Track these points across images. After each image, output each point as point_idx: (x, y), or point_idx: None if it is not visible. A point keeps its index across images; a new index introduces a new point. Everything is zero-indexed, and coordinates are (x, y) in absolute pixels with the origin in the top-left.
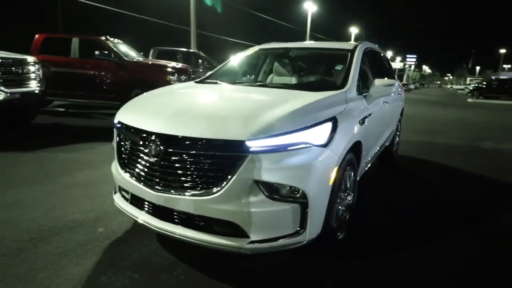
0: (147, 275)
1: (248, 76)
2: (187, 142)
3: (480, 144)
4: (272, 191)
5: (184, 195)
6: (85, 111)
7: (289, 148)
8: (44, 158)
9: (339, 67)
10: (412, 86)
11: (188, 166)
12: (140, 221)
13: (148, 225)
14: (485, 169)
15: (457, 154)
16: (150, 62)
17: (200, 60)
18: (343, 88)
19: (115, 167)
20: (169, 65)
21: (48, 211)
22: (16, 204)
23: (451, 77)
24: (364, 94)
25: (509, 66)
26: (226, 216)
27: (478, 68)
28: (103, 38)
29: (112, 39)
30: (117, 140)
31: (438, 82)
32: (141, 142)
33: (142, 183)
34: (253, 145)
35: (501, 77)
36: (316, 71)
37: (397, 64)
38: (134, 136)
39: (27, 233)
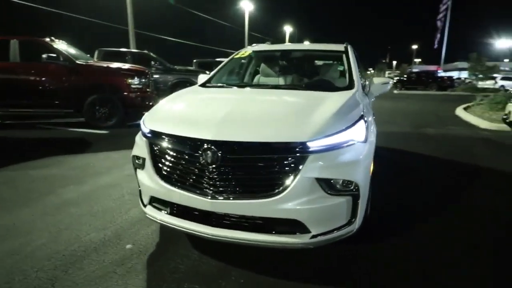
0: (206, 284)
1: (246, 78)
2: (248, 147)
3: (426, 130)
4: (330, 186)
5: (245, 199)
6: (25, 121)
7: (341, 146)
8: (13, 177)
9: (339, 68)
10: None
11: (248, 170)
12: (188, 230)
13: (200, 234)
14: (440, 152)
15: (416, 141)
16: (106, 65)
17: (152, 62)
18: (352, 88)
19: (149, 178)
20: (128, 67)
21: (55, 234)
22: (12, 232)
23: (372, 71)
24: (365, 92)
25: (420, 60)
26: (289, 215)
27: (395, 62)
28: (48, 39)
29: (57, 40)
30: (151, 150)
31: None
32: (191, 151)
33: (192, 192)
34: (313, 145)
35: (414, 70)
36: (315, 72)
37: None
38: (180, 145)
39: (47, 261)
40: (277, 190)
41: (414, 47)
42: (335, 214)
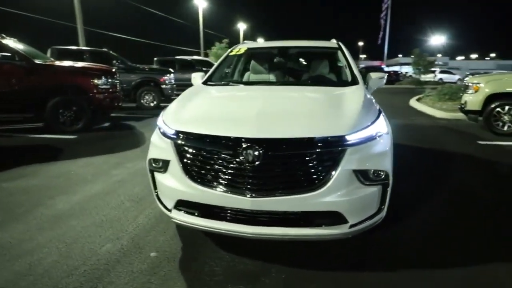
0: (250, 283)
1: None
2: (289, 143)
3: (394, 121)
4: (365, 177)
5: (286, 195)
6: None
7: (373, 138)
8: None
9: (339, 64)
10: None
11: (290, 166)
12: (223, 232)
13: (239, 234)
14: (415, 140)
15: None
16: (69, 65)
17: (114, 61)
18: (357, 83)
19: (176, 181)
20: (93, 67)
21: (65, 249)
22: (12, 251)
23: None
24: (365, 87)
25: (365, 56)
26: (331, 207)
27: None
28: None
29: (8, 38)
30: (179, 152)
31: None
32: (229, 150)
33: (230, 192)
34: (351, 138)
35: (361, 65)
36: (311, 68)
37: None
38: (217, 144)
39: (68, 277)
40: (318, 184)
41: (360, 43)
42: (369, 203)
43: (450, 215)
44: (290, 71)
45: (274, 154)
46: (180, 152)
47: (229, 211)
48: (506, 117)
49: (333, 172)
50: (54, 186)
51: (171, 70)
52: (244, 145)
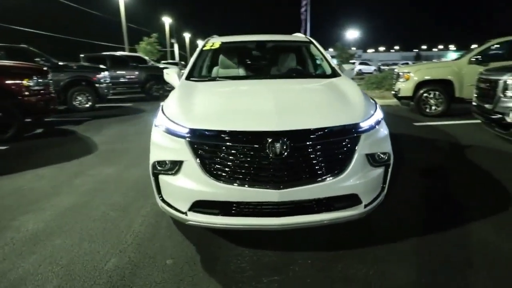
0: (283, 273)
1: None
2: (312, 134)
3: None
4: (374, 160)
5: (311, 184)
6: None
7: (378, 123)
8: None
9: (316, 57)
10: None
11: (313, 155)
12: (248, 227)
13: (265, 227)
14: None
15: None
16: None
17: (37, 58)
18: (339, 75)
19: (194, 181)
20: (21, 66)
21: (63, 272)
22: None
23: None
24: None
25: None
26: (349, 190)
27: None
28: None
29: None
30: (196, 151)
31: None
32: (254, 144)
33: (256, 186)
34: (364, 125)
35: None
36: (290, 62)
37: None
38: (239, 140)
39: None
40: (340, 170)
41: None
42: (376, 184)
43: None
44: (269, 64)
45: (300, 145)
46: (197, 151)
47: (252, 206)
48: (432, 101)
49: (352, 158)
50: (9, 206)
51: (104, 67)
52: (270, 139)
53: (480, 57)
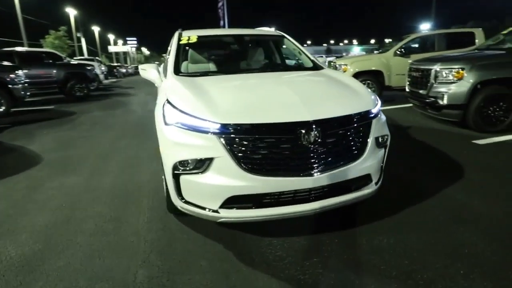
0: (321, 254)
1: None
2: (338, 121)
3: None
4: (378, 142)
5: (339, 168)
6: None
7: (380, 110)
8: None
9: (293, 50)
10: None
11: (340, 141)
12: (282, 216)
13: (299, 214)
14: None
15: None
16: None
17: None
18: (323, 68)
19: (228, 177)
20: None
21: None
22: None
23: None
24: None
25: None
26: (366, 171)
27: None
28: None
29: None
30: (230, 146)
31: (157, 62)
32: (288, 135)
33: (291, 175)
34: (374, 111)
35: None
36: (268, 55)
37: (120, 48)
38: (274, 132)
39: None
40: (360, 152)
41: None
42: (380, 163)
43: None
44: (250, 58)
45: (329, 132)
46: (230, 146)
47: (284, 195)
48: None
49: (367, 141)
50: None
51: (16, 65)
52: (304, 128)
53: (403, 50)
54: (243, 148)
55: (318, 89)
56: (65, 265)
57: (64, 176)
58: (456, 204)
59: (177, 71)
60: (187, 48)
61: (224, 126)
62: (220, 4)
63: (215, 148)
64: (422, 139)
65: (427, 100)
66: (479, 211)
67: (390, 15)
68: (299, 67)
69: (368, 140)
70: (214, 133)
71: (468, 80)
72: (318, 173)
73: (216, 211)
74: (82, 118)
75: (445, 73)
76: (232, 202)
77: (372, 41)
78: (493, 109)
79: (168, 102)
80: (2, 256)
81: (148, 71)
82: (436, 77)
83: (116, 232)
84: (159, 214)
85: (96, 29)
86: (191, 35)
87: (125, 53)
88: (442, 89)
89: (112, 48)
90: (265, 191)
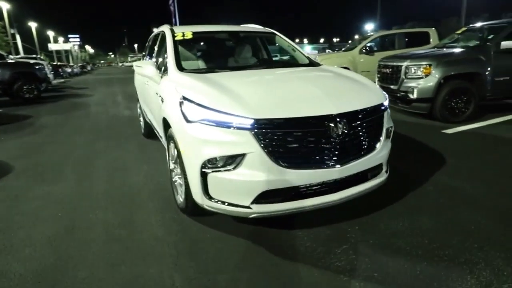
0: (348, 241)
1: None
2: (360, 114)
3: None
4: (388, 132)
5: (361, 157)
6: None
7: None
8: None
9: (288, 47)
10: (89, 67)
11: (361, 132)
12: (309, 208)
13: (326, 205)
14: None
15: None
16: None
17: None
18: (315, 64)
19: (262, 171)
20: None
21: None
22: None
23: (112, 55)
24: None
25: None
26: (379, 160)
27: (136, 45)
28: None
29: None
30: (263, 141)
31: (102, 61)
32: (318, 128)
33: (320, 167)
34: (386, 104)
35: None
36: (263, 52)
37: (62, 46)
38: (303, 126)
39: None
40: (377, 142)
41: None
42: (388, 152)
43: None
44: (248, 54)
45: (353, 124)
46: (264, 141)
47: (313, 186)
48: None
49: (382, 132)
50: None
51: None
52: (332, 121)
53: (368, 48)
54: (276, 143)
55: (334, 84)
56: (88, 276)
57: (45, 185)
58: (449, 188)
59: (180, 68)
60: (183, 44)
61: (258, 121)
62: (170, 0)
63: (249, 144)
64: (397, 131)
65: (398, 95)
66: (471, 192)
67: (331, 15)
68: (298, 63)
69: (382, 131)
70: (247, 129)
71: (435, 75)
72: (344, 164)
73: (248, 207)
74: (41, 122)
75: (414, 69)
76: (264, 196)
77: (321, 40)
78: (456, 102)
79: (186, 99)
80: (10, 275)
81: (145, 68)
82: (406, 73)
83: (131, 237)
84: (171, 216)
85: (33, 25)
86: (185, 32)
87: (67, 51)
88: (412, 84)
89: (52, 46)
90: (297, 184)
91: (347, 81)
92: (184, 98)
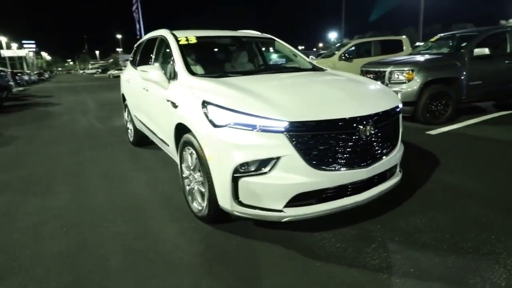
0: (374, 240)
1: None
2: (384, 115)
3: None
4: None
5: (384, 157)
6: None
7: None
8: None
9: (289, 52)
10: (46, 75)
11: (385, 133)
12: (339, 209)
13: (352, 205)
14: None
15: None
16: None
17: None
18: (318, 69)
19: (296, 174)
20: None
21: None
22: None
23: (71, 62)
24: None
25: (121, 49)
26: (396, 160)
27: (98, 52)
28: None
29: None
30: (297, 143)
31: (60, 69)
32: (348, 130)
33: (351, 168)
34: (400, 106)
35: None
36: (264, 57)
37: (16, 52)
38: (333, 128)
39: None
40: (396, 143)
41: (119, 36)
42: (402, 153)
43: None
44: (253, 60)
45: (379, 125)
46: (298, 143)
47: (343, 187)
48: None
49: (399, 133)
50: None
51: None
52: (361, 123)
53: (347, 55)
54: (308, 145)
55: (355, 87)
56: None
57: (37, 199)
58: (450, 185)
59: (191, 72)
60: (188, 49)
61: (292, 124)
62: (134, 7)
63: (284, 147)
64: None
65: None
66: (471, 188)
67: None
68: (303, 68)
69: (400, 132)
70: (281, 132)
71: (417, 80)
72: (371, 164)
73: (281, 211)
74: (11, 133)
75: (397, 74)
76: (296, 200)
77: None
78: (436, 105)
79: (210, 103)
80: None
81: (151, 73)
82: (390, 78)
83: (153, 249)
84: (189, 225)
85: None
86: (188, 36)
87: (20, 58)
88: (396, 88)
89: (5, 53)
90: (329, 185)
91: (364, 85)
92: (207, 103)
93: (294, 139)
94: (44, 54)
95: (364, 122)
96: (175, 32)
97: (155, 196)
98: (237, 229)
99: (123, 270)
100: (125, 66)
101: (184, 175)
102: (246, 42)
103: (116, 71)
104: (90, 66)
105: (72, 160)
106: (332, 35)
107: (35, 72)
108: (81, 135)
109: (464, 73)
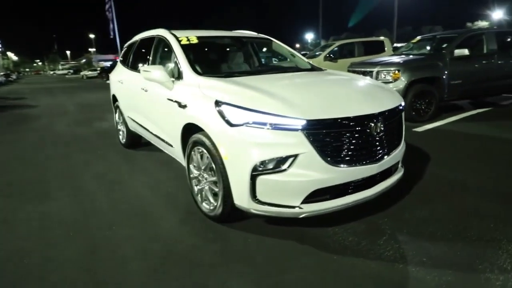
0: (385, 233)
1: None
2: (391, 113)
3: None
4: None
5: (392, 152)
6: None
7: None
8: None
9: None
10: (14, 76)
11: (393, 129)
12: (351, 204)
13: (363, 200)
14: None
15: None
16: None
17: None
18: (316, 69)
19: (313, 171)
20: None
21: None
22: None
23: (40, 63)
24: None
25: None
26: (400, 156)
27: (69, 52)
28: None
29: None
30: (314, 141)
31: (28, 69)
32: (360, 127)
33: (363, 164)
34: (403, 105)
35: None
36: (256, 57)
37: None
38: (349, 125)
39: None
40: (400, 139)
41: (92, 36)
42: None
43: None
44: (254, 59)
45: (387, 122)
46: (315, 141)
47: (355, 182)
48: None
49: (403, 130)
50: None
51: None
52: (372, 120)
53: (332, 55)
54: (325, 142)
55: (361, 86)
56: None
57: (35, 204)
58: (445, 179)
59: (197, 71)
60: (190, 49)
61: (309, 122)
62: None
63: (301, 144)
64: None
65: None
66: (465, 180)
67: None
68: (302, 68)
69: (403, 128)
70: (299, 129)
71: (403, 79)
72: (381, 159)
73: (299, 207)
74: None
75: (384, 74)
76: (312, 196)
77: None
78: (420, 103)
79: (224, 102)
80: None
81: (152, 73)
82: (377, 77)
83: (169, 250)
84: (202, 225)
85: None
86: (189, 36)
87: None
88: None
89: None
90: (344, 181)
91: (368, 84)
92: (222, 102)
93: (311, 137)
94: (10, 54)
95: (375, 120)
96: (176, 32)
97: (159, 197)
98: (250, 227)
99: (144, 274)
100: (99, 67)
101: (192, 176)
102: (245, 42)
103: (90, 72)
104: (60, 67)
105: (63, 164)
106: (309, 36)
107: (2, 73)
108: (67, 138)
109: (446, 72)
